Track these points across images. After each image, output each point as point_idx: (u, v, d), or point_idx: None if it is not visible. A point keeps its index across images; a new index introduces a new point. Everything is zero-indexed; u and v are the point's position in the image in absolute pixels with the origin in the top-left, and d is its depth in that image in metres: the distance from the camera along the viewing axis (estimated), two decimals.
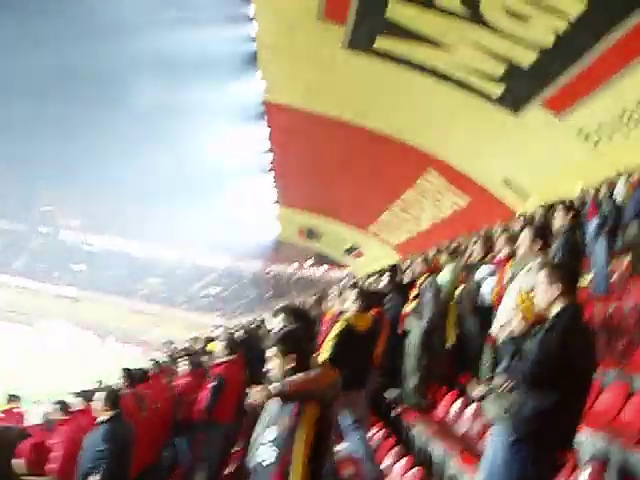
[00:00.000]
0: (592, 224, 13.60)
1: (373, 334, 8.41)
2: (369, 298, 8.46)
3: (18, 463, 5.65)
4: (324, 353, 7.45)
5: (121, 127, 71.61)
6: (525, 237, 6.52)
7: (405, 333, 10.07)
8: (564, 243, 8.05)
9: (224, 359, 10.76)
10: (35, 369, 35.42)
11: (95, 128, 74.30)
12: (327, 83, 31.98)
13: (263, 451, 4.19)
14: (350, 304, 8.26)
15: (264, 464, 4.13)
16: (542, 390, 4.49)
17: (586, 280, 11.97)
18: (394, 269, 13.16)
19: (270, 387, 4.12)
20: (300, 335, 4.49)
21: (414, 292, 10.09)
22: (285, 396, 4.06)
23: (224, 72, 42.77)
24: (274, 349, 4.32)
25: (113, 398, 7.98)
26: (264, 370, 4.64)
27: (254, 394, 4.11)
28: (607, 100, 21.46)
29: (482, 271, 9.41)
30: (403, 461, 7.73)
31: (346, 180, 44.44)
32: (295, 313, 5.01)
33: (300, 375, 4.14)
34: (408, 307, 10.06)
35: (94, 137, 74.68)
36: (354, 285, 10.04)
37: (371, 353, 8.47)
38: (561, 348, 4.45)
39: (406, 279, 11.87)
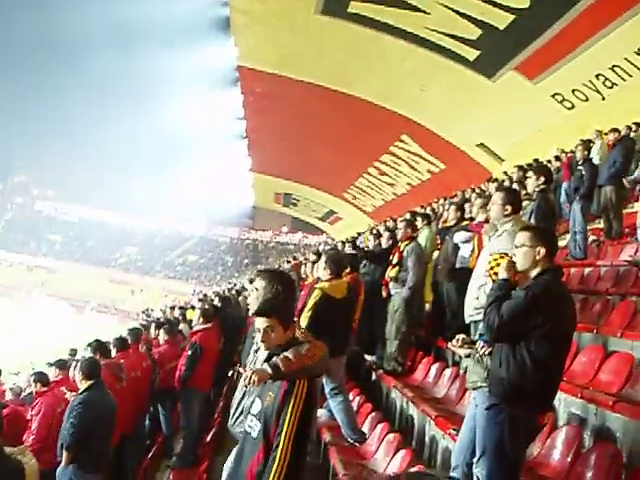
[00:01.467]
0: (565, 187, 13.69)
1: (350, 301, 8.38)
2: (340, 264, 8.40)
3: None
4: (302, 321, 7.42)
5: (95, 95, 71.10)
6: (495, 202, 6.48)
7: (387, 298, 10.06)
8: (537, 207, 8.04)
9: (200, 327, 10.74)
10: (12, 341, 35.23)
11: (69, 97, 73.63)
12: (301, 48, 31.78)
13: (249, 421, 4.17)
14: (321, 271, 8.21)
15: (252, 435, 4.11)
16: (519, 352, 4.50)
17: (563, 243, 12.04)
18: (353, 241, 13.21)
19: (264, 368, 4.08)
20: (286, 302, 4.46)
21: (395, 258, 10.04)
22: (280, 376, 4.03)
23: (197, 37, 42.38)
24: (260, 320, 4.26)
25: (90, 368, 7.93)
26: (243, 337, 4.60)
27: (251, 376, 4.06)
28: (581, 64, 21.48)
29: (459, 236, 9.39)
30: (381, 426, 7.75)
31: (321, 146, 44.41)
32: (276, 277, 4.92)
33: (292, 352, 4.10)
34: (391, 272, 10.02)
35: (68, 106, 73.99)
36: (325, 252, 9.97)
37: (350, 319, 8.45)
38: (532, 307, 4.46)
39: (384, 244, 11.83)
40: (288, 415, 3.94)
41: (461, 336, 5.43)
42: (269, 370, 4.04)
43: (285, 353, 4.10)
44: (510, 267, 4.83)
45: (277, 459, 3.90)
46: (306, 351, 4.14)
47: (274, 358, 4.12)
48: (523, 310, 4.48)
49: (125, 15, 52.05)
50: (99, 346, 9.44)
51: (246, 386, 4.28)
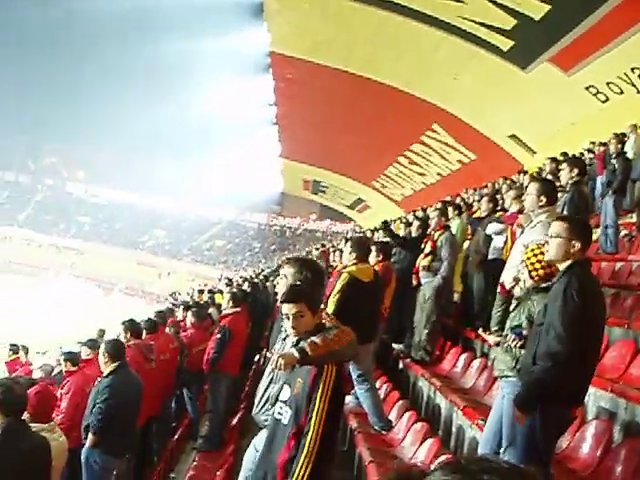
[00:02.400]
0: (600, 181, 13.57)
1: (377, 286, 8.36)
2: (364, 248, 8.39)
3: None
4: (330, 307, 7.42)
5: (127, 79, 71.31)
6: (530, 192, 6.45)
7: (417, 287, 10.04)
8: (569, 199, 7.99)
9: (229, 311, 10.79)
10: (41, 321, 35.57)
11: (101, 80, 73.96)
12: (333, 35, 31.73)
13: (279, 409, 4.19)
14: (347, 256, 8.21)
15: (282, 422, 4.13)
16: (552, 347, 4.47)
17: (594, 237, 11.95)
18: (386, 226, 13.18)
19: (292, 352, 4.08)
20: (314, 290, 4.46)
21: (427, 247, 10.00)
22: (307, 360, 4.03)
23: (230, 23, 42.49)
24: (287, 306, 4.27)
25: (116, 349, 8.00)
26: (270, 322, 4.63)
27: (279, 360, 4.07)
28: (616, 57, 21.23)
29: (492, 227, 9.36)
30: (408, 414, 7.76)
31: (351, 134, 44.31)
32: (305, 265, 4.92)
33: (319, 336, 4.10)
34: (424, 261, 9.99)
35: (99, 89, 74.31)
36: (350, 238, 9.96)
37: (377, 306, 8.44)
38: (579, 308, 4.40)
39: (414, 232, 11.80)
40: (317, 400, 3.95)
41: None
42: (296, 354, 4.05)
43: (312, 338, 4.11)
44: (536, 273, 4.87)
45: (307, 445, 3.93)
46: (334, 336, 4.15)
47: (302, 342, 4.14)
48: (579, 308, 4.41)
49: (166, 2, 52.23)
50: (131, 326, 9.51)
51: (273, 370, 4.29)
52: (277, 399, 4.28)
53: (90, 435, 7.57)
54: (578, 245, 4.62)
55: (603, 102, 23.48)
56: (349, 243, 8.31)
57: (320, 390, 3.95)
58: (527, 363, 4.68)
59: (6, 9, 65.59)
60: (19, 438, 5.26)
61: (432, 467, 1.51)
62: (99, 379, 7.96)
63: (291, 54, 36.52)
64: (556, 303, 4.50)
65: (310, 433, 3.92)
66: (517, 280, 5.45)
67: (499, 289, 6.67)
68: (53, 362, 13.48)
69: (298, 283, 4.49)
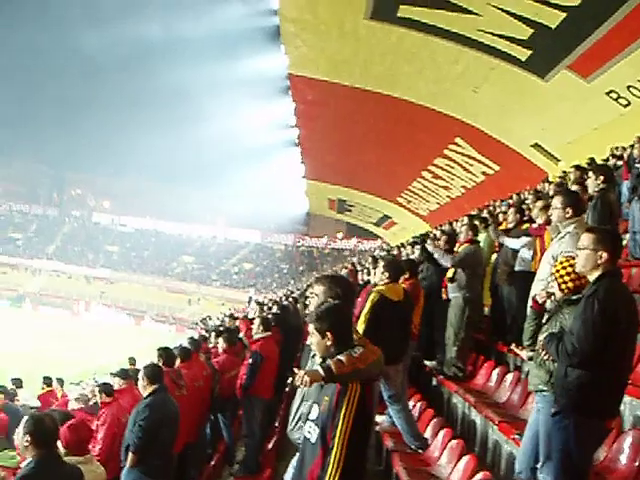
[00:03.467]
0: (626, 186, 13.45)
1: (407, 305, 8.36)
2: (398, 268, 8.40)
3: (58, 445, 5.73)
4: (359, 326, 7.42)
5: (149, 107, 71.94)
6: (555, 206, 6.42)
7: (447, 302, 10.03)
8: (592, 207, 7.97)
9: (260, 335, 10.80)
10: (73, 351, 35.82)
11: (123, 109, 74.65)
12: (351, 54, 31.82)
13: (308, 428, 4.20)
14: (379, 276, 8.21)
15: (310, 441, 4.14)
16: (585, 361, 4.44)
17: (622, 243, 11.84)
18: (424, 239, 13.12)
19: (317, 370, 4.09)
20: (339, 310, 4.43)
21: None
22: (332, 378, 4.03)
23: (247, 47, 42.78)
24: (312, 326, 4.30)
25: (154, 373, 8.05)
26: (302, 344, 4.64)
27: (302, 377, 4.08)
28: (635, 60, 21.12)
29: (517, 242, 9.35)
30: (443, 432, 7.72)
31: (373, 151, 44.39)
32: (336, 283, 4.93)
33: (345, 355, 4.10)
34: (448, 273, 10.01)
35: (122, 118, 75.04)
36: (382, 257, 9.94)
37: (407, 325, 8.42)
38: (603, 317, 4.39)
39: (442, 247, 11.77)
40: (341, 419, 3.96)
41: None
42: (321, 372, 4.04)
43: (338, 356, 4.11)
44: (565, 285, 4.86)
45: (331, 463, 3.93)
46: (360, 355, 4.14)
47: (328, 360, 4.14)
48: (595, 323, 4.40)
49: (177, 27, 52.69)
50: (164, 353, 9.56)
51: (298, 386, 4.30)
52: (307, 418, 4.29)
53: (130, 454, 7.57)
54: (605, 255, 4.59)
55: (625, 106, 23.34)
56: (382, 263, 8.32)
57: (344, 408, 3.96)
58: (560, 375, 4.65)
59: (25, 38, 66.48)
60: (51, 470, 5.28)
61: None
62: (139, 403, 8.00)
63: (310, 75, 36.64)
64: (579, 310, 4.51)
65: (334, 451, 3.92)
66: (549, 294, 5.41)
67: (531, 303, 6.64)
68: (88, 392, 13.55)
69: (324, 307, 4.48)
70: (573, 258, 4.91)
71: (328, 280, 5.00)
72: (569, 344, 4.43)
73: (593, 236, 4.71)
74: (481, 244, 10.80)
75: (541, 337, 5.22)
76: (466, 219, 12.95)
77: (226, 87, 54.12)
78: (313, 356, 4.78)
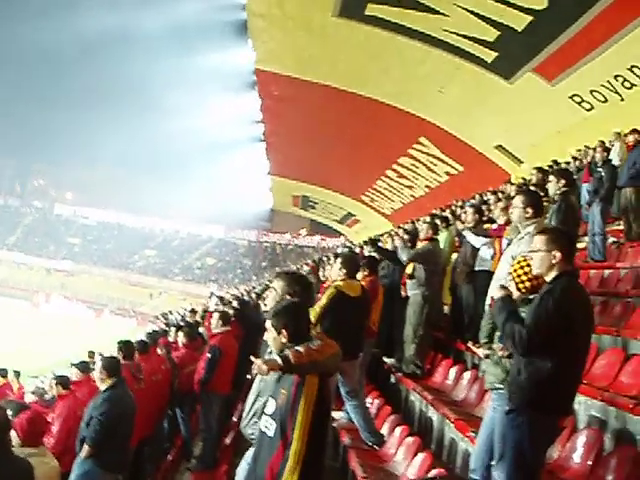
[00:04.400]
0: (586, 189, 13.61)
1: (364, 301, 8.38)
2: (354, 265, 8.43)
3: (12, 436, 5.64)
4: (312, 318, 7.44)
5: (112, 98, 71.34)
6: (516, 205, 6.46)
7: (405, 300, 10.08)
8: (557, 210, 8.02)
9: (219, 330, 10.76)
10: (32, 344, 35.46)
11: (85, 101, 73.98)
12: (319, 51, 31.83)
13: (264, 422, 4.19)
14: (336, 271, 8.23)
15: (267, 435, 4.14)
16: (538, 357, 4.49)
17: (582, 245, 11.99)
18: (374, 243, 13.23)
19: (275, 358, 4.10)
20: (296, 308, 4.44)
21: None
22: (289, 369, 4.04)
23: (215, 41, 42.54)
24: (269, 322, 4.31)
25: (112, 366, 7.98)
26: (262, 340, 4.64)
27: (259, 366, 4.08)
28: (599, 65, 21.39)
29: (476, 240, 9.42)
30: (400, 429, 7.75)
31: (339, 149, 44.44)
32: (294, 279, 4.95)
33: (303, 346, 4.11)
34: (407, 268, 10.07)
35: (85, 110, 74.35)
36: (339, 254, 9.98)
37: (363, 321, 8.45)
38: (556, 312, 4.45)
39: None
40: (300, 411, 3.96)
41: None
42: (279, 361, 4.05)
43: (296, 347, 4.12)
44: (524, 284, 4.87)
45: (292, 456, 3.94)
46: (318, 347, 4.16)
47: (285, 350, 4.15)
48: (549, 318, 4.44)
49: (142, 20, 52.28)
50: (124, 346, 9.50)
51: (256, 375, 4.30)
52: (263, 412, 4.28)
53: (85, 446, 7.45)
54: (558, 255, 4.63)
55: (588, 110, 23.63)
56: (339, 259, 8.33)
57: (303, 401, 3.97)
58: (514, 373, 4.69)
59: None
60: (1, 461, 5.21)
61: None
62: (96, 396, 7.93)
63: (277, 71, 36.62)
64: (533, 305, 4.57)
65: (294, 444, 3.93)
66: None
67: (489, 301, 6.68)
68: (46, 386, 13.44)
69: (281, 305, 4.48)
70: (531, 258, 4.94)
71: (287, 277, 5.02)
72: (517, 333, 4.48)
73: (545, 237, 4.76)
74: (442, 243, 10.87)
75: (497, 335, 5.26)
76: (428, 218, 13.00)
77: (193, 80, 53.87)
78: (270, 352, 4.78)
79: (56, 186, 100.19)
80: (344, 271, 8.06)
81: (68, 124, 76.60)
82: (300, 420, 3.94)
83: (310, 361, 4.06)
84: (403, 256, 10.21)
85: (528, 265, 4.95)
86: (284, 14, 29.69)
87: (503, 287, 4.95)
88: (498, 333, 5.25)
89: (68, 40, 62.74)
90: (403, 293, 10.21)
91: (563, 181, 8.35)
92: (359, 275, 8.96)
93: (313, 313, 7.46)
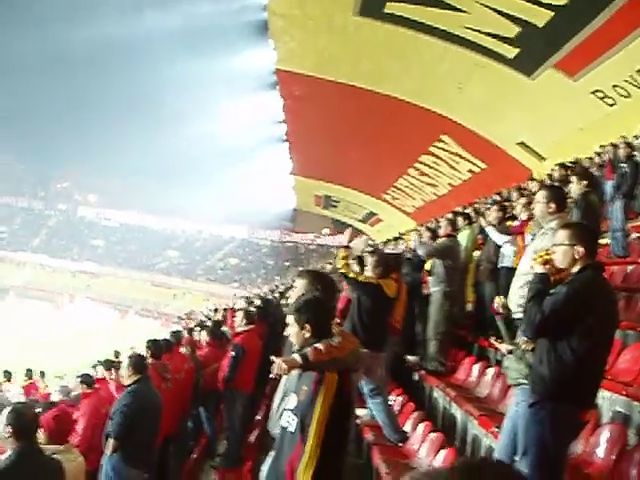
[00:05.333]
0: (609, 185, 13.54)
1: (394, 300, 8.47)
2: (388, 264, 8.47)
3: (39, 434, 5.73)
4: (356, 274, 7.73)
5: (136, 102, 71.58)
6: (539, 200, 6.43)
7: (427, 297, 10.11)
8: (579, 206, 8.02)
9: (242, 329, 10.81)
10: (57, 345, 35.72)
11: (109, 104, 74.27)
12: (339, 50, 31.81)
13: (286, 417, 4.22)
14: (371, 270, 8.27)
15: (289, 430, 4.16)
16: (559, 346, 4.49)
17: (604, 241, 11.95)
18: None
19: (294, 357, 4.13)
20: (318, 303, 4.46)
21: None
22: (309, 366, 4.06)
23: (235, 42, 42.57)
24: (291, 317, 4.34)
25: (139, 363, 8.05)
26: (284, 337, 4.67)
27: (279, 365, 4.12)
28: (621, 60, 21.21)
29: (498, 237, 9.42)
30: (423, 425, 7.77)
31: (360, 147, 44.35)
32: (317, 278, 4.99)
33: (322, 343, 4.14)
34: (426, 265, 10.13)
35: (108, 113, 74.61)
36: (373, 252, 10.00)
37: (390, 318, 8.51)
38: (574, 300, 4.46)
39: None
40: (317, 407, 3.98)
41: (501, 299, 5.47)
42: (299, 359, 4.08)
43: (316, 344, 4.15)
44: (546, 261, 4.84)
45: (308, 451, 3.96)
46: (337, 343, 4.18)
47: (305, 348, 4.18)
48: (565, 305, 4.47)
49: (163, 24, 52.43)
50: (152, 345, 9.58)
51: (277, 375, 4.33)
52: (285, 408, 4.31)
53: (110, 440, 7.50)
54: (581, 250, 4.63)
55: (610, 105, 23.44)
56: (374, 257, 8.38)
57: (321, 397, 3.98)
58: (536, 365, 4.70)
59: (11, 31, 66.08)
60: (31, 462, 5.29)
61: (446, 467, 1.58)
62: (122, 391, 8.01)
63: (298, 71, 36.59)
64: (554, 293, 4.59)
65: (310, 440, 3.95)
66: (505, 305, 5.51)
67: (512, 297, 6.67)
68: (70, 385, 13.54)
69: (304, 299, 4.51)
70: (553, 253, 4.93)
71: (309, 274, 5.06)
72: (534, 314, 4.51)
73: (568, 232, 4.76)
74: (464, 241, 10.88)
75: (520, 330, 5.27)
76: (450, 215, 13.00)
77: (214, 82, 53.90)
78: (293, 350, 4.81)
79: (79, 189, 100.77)
80: (379, 269, 8.12)
81: (90, 128, 76.95)
82: (317, 416, 3.96)
83: (329, 358, 4.08)
84: (420, 251, 10.25)
85: (551, 259, 4.93)
86: (305, 14, 29.70)
87: (544, 264, 4.93)
88: (521, 327, 5.26)
89: (88, 45, 63.13)
90: (425, 291, 10.22)
91: (585, 182, 8.36)
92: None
93: (353, 273, 7.69)
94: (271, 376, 4.51)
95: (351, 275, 8.00)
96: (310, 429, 3.96)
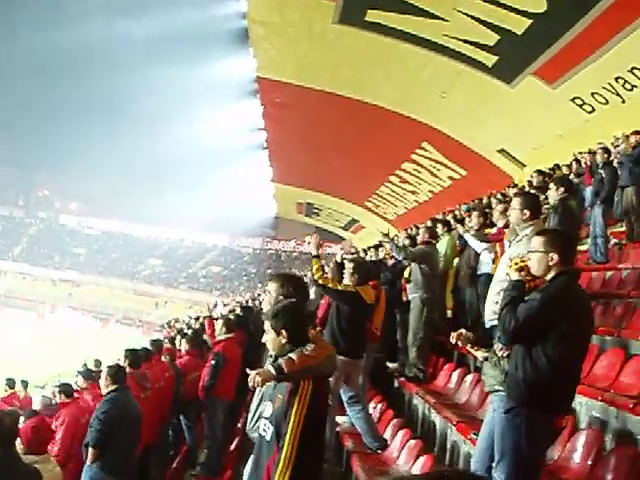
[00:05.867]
0: (588, 191, 13.63)
1: (373, 307, 8.51)
2: (366, 271, 8.49)
3: (17, 443, 5.70)
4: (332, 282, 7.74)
5: (114, 109, 71.54)
6: (514, 207, 6.47)
7: (408, 303, 10.13)
8: (554, 213, 8.07)
9: (223, 337, 10.81)
10: (38, 354, 35.53)
11: (88, 111, 74.16)
12: (320, 58, 31.84)
13: (262, 425, 4.23)
14: (348, 277, 8.28)
15: (265, 438, 4.17)
16: (534, 353, 4.52)
17: (584, 247, 12.02)
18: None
19: (268, 369, 4.14)
20: (294, 309, 4.47)
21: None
22: (283, 378, 4.08)
23: (215, 50, 42.60)
24: (267, 324, 4.34)
25: (117, 373, 8.03)
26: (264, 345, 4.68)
27: (254, 377, 4.12)
28: (600, 67, 21.36)
29: (480, 244, 9.44)
30: (402, 432, 7.78)
31: (342, 155, 44.43)
32: (288, 280, 4.99)
33: (296, 353, 4.15)
34: (405, 272, 10.18)
35: (87, 120, 74.51)
36: (350, 259, 10.03)
37: (369, 325, 8.54)
38: (548, 307, 4.50)
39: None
40: (292, 416, 4.00)
41: (462, 331, 5.48)
42: (273, 371, 4.09)
43: (290, 354, 4.16)
44: (521, 268, 4.86)
45: (282, 460, 3.96)
46: (311, 351, 4.19)
47: (279, 359, 4.19)
48: (539, 311, 4.50)
49: (144, 30, 52.44)
50: (131, 355, 9.54)
51: (251, 387, 4.34)
52: (261, 415, 4.32)
53: (90, 449, 7.48)
54: (556, 257, 4.66)
55: (589, 112, 23.60)
56: (351, 265, 8.39)
57: (295, 406, 4.00)
58: (512, 371, 4.73)
59: None
60: (9, 469, 5.26)
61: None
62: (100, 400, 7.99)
63: (278, 78, 36.60)
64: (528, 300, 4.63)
65: (285, 448, 3.95)
66: (459, 335, 5.56)
67: (488, 304, 6.70)
68: (50, 394, 13.48)
69: (279, 305, 4.52)
70: (528, 260, 4.96)
71: (281, 278, 5.06)
72: (508, 320, 4.54)
73: (543, 238, 4.79)
74: (444, 247, 10.92)
75: (496, 337, 5.29)
76: (429, 223, 13.04)
77: (194, 89, 53.91)
78: (271, 356, 4.82)
79: (60, 197, 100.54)
80: (356, 276, 8.13)
81: (70, 134, 76.82)
82: (291, 425, 3.98)
83: (303, 367, 4.09)
84: (397, 256, 10.30)
85: (526, 266, 4.95)
86: (284, 21, 29.70)
87: (520, 270, 4.95)
88: (497, 334, 5.28)
89: (68, 49, 62.99)
90: (404, 298, 10.25)
91: (562, 189, 8.42)
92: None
93: (331, 282, 7.68)
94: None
95: (329, 285, 8.01)
96: (285, 437, 3.96)
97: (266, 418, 4.21)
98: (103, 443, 7.45)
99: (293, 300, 4.63)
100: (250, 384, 4.22)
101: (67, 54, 65.39)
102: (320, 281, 8.05)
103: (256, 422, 4.80)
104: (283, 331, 4.26)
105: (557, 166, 20.14)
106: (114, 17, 55.03)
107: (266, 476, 4.07)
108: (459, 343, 5.54)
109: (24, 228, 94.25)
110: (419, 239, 10.59)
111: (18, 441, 5.84)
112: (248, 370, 4.30)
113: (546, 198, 9.61)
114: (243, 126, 51.87)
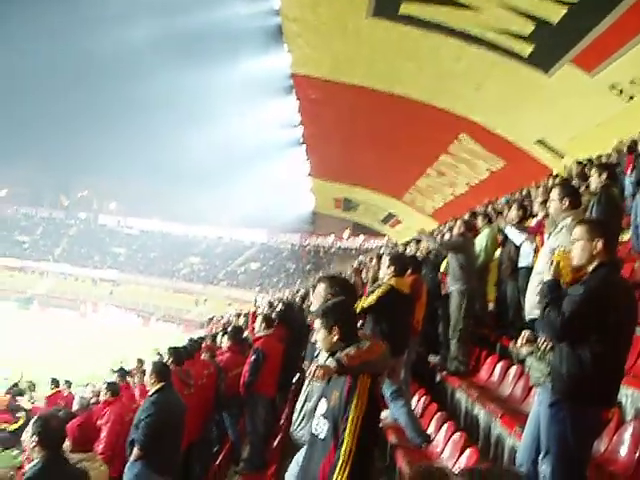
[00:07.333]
0: (629, 180, 13.43)
1: (413, 299, 8.46)
2: (403, 263, 8.45)
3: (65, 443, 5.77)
4: (363, 302, 7.54)
5: (153, 109, 71.92)
6: (553, 198, 6.38)
7: (447, 296, 10.09)
8: (596, 202, 7.96)
9: (263, 333, 10.83)
10: (81, 353, 35.88)
11: (128, 112, 74.66)
12: (354, 52, 31.80)
13: (317, 423, 4.22)
14: (384, 270, 8.24)
15: (320, 437, 4.16)
16: (578, 347, 4.48)
17: (626, 236, 11.84)
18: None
19: (329, 363, 4.14)
20: (344, 306, 4.48)
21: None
22: (344, 371, 4.07)
23: (250, 48, 42.77)
24: (318, 322, 4.34)
25: (162, 370, 8.09)
26: (309, 341, 4.68)
27: (315, 372, 4.12)
28: (638, 53, 21.05)
29: (520, 236, 9.35)
30: (446, 426, 7.73)
31: (378, 149, 44.31)
32: (336, 282, 5.00)
33: (354, 347, 4.15)
34: (442, 266, 10.16)
35: (126, 120, 75.02)
36: (386, 253, 10.02)
37: (410, 318, 8.49)
38: (593, 302, 4.44)
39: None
40: (352, 412, 3.98)
41: (527, 332, 5.39)
42: (334, 365, 4.10)
43: (347, 350, 4.16)
44: (556, 268, 4.80)
45: (342, 455, 3.94)
46: (368, 347, 4.19)
47: (337, 354, 4.19)
48: (583, 305, 4.43)
49: (178, 29, 52.75)
50: (173, 352, 9.62)
51: (309, 384, 4.34)
52: (314, 414, 4.31)
53: (135, 450, 7.60)
54: (600, 245, 4.60)
55: (628, 100, 23.28)
56: (388, 257, 8.36)
57: (355, 401, 3.99)
58: (556, 364, 4.68)
59: (28, 42, 66.60)
60: (57, 471, 5.31)
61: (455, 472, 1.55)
62: (144, 400, 8.05)
63: (313, 74, 36.65)
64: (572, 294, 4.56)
65: (345, 444, 3.94)
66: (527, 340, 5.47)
67: (529, 297, 6.63)
68: (89, 394, 13.60)
69: (330, 302, 4.52)
70: (570, 251, 4.89)
71: (329, 279, 5.08)
72: (555, 320, 4.47)
73: (586, 227, 4.73)
74: (484, 240, 10.83)
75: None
76: (467, 216, 12.97)
77: (230, 87, 54.13)
78: (316, 355, 4.82)
79: (99, 197, 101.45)
80: (392, 268, 8.09)
81: (109, 136, 77.52)
82: (352, 419, 3.96)
83: (362, 362, 4.09)
84: (430, 245, 10.29)
85: (568, 258, 4.90)
86: (318, 17, 29.69)
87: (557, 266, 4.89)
88: (540, 327, 5.23)
89: (106, 52, 63.55)
90: (443, 291, 10.21)
91: (605, 175, 8.29)
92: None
93: (363, 302, 7.55)
94: (294, 380, 4.51)
95: (364, 305, 7.78)
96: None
97: (321, 415, 4.20)
98: (150, 445, 7.52)
99: (342, 298, 4.64)
100: (310, 378, 4.22)
101: (102, 57, 66.03)
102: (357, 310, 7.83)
103: (302, 421, 4.80)
104: (335, 328, 4.26)
105: (596, 157, 19.90)
106: (148, 17, 55.30)
107: (321, 476, 4.06)
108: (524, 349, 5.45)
109: (64, 229, 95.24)
110: (455, 231, 10.55)
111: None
112: (307, 363, 4.32)
113: (587, 187, 9.51)
114: (279, 122, 52.10)
